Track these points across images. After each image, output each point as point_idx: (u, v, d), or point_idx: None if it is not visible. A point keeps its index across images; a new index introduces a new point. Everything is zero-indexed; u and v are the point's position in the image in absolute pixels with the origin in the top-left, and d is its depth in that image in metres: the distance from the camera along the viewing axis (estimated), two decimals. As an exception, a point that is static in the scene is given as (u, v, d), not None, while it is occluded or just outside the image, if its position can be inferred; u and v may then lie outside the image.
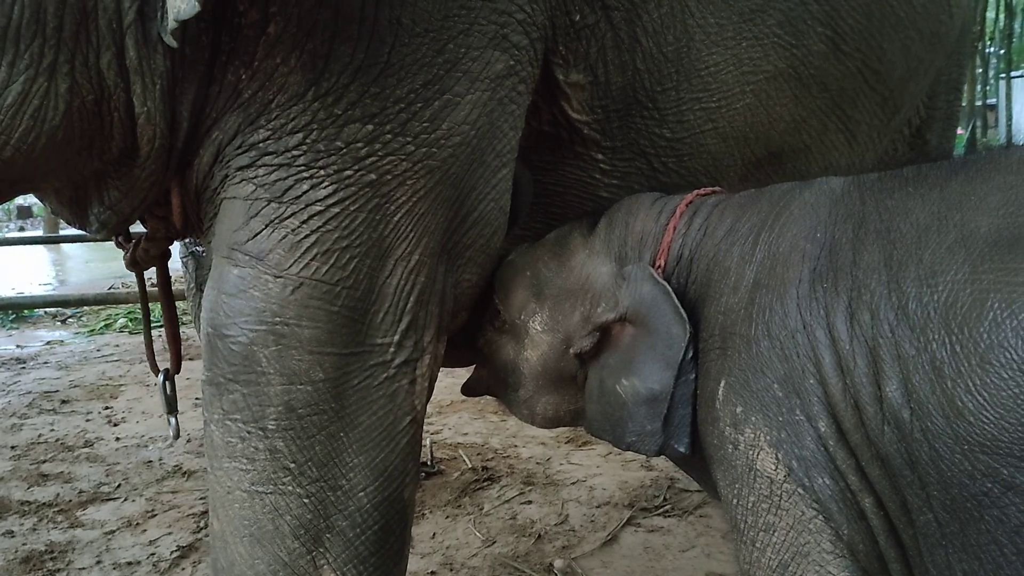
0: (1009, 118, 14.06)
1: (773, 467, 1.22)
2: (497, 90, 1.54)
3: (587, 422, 1.64)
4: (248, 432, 1.49)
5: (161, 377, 1.88)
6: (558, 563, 2.69)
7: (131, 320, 7.31)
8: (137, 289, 2.04)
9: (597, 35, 1.66)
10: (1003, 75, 13.73)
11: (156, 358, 1.98)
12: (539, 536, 2.91)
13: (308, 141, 1.43)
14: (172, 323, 1.90)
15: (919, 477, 1.09)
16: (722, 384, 1.31)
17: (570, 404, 1.67)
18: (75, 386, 5.17)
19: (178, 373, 1.92)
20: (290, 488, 1.49)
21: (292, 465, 1.49)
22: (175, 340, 1.91)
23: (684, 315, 1.39)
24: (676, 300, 1.41)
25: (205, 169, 1.52)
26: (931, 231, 1.14)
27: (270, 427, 1.48)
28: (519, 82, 1.58)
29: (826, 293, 1.21)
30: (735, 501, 1.29)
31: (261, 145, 1.44)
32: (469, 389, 1.92)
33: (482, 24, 1.49)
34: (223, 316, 1.48)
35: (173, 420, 1.91)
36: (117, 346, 6.44)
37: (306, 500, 1.50)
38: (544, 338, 1.63)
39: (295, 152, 1.43)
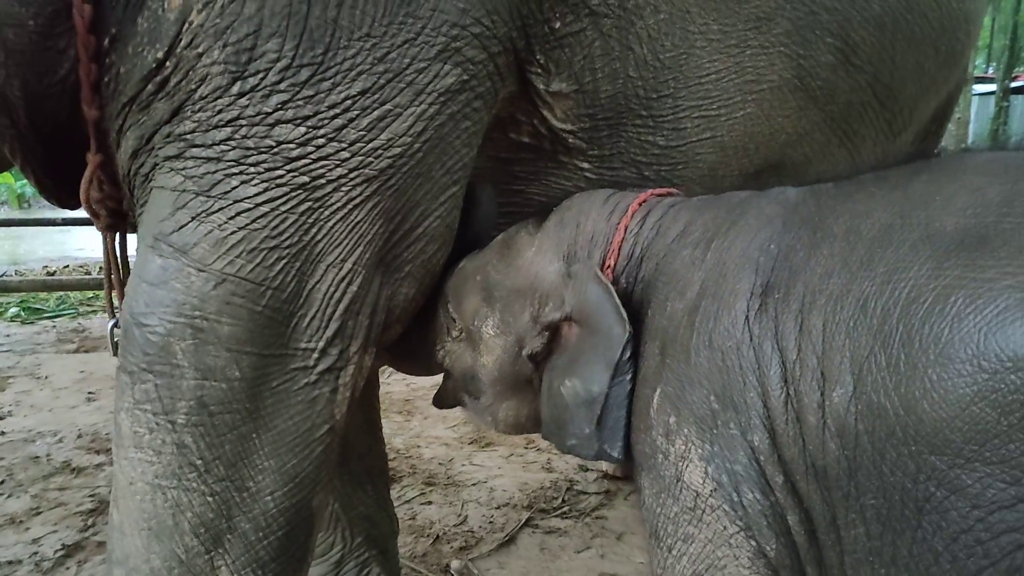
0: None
1: (701, 481, 1.21)
2: (448, 104, 1.48)
3: (542, 425, 1.59)
4: (157, 424, 1.46)
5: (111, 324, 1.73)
6: (455, 564, 2.71)
7: (24, 309, 7.01)
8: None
9: (583, 43, 1.58)
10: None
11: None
12: (437, 537, 2.93)
13: (237, 136, 1.39)
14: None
15: (856, 486, 1.05)
16: (657, 392, 1.29)
17: (530, 409, 1.63)
18: (-40, 377, 4.94)
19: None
20: (194, 485, 1.47)
21: (199, 462, 1.46)
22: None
23: (624, 315, 1.35)
24: (617, 300, 1.37)
25: (129, 152, 1.47)
26: (894, 229, 1.10)
27: (179, 421, 1.45)
28: (474, 98, 1.52)
29: (777, 304, 1.18)
30: (658, 510, 1.28)
31: (188, 137, 1.40)
32: (439, 401, 1.88)
33: (430, 35, 1.43)
34: (142, 305, 1.45)
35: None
36: (8, 336, 6.16)
37: (210, 499, 1.48)
38: (497, 342, 1.60)
39: (223, 147, 1.39)
